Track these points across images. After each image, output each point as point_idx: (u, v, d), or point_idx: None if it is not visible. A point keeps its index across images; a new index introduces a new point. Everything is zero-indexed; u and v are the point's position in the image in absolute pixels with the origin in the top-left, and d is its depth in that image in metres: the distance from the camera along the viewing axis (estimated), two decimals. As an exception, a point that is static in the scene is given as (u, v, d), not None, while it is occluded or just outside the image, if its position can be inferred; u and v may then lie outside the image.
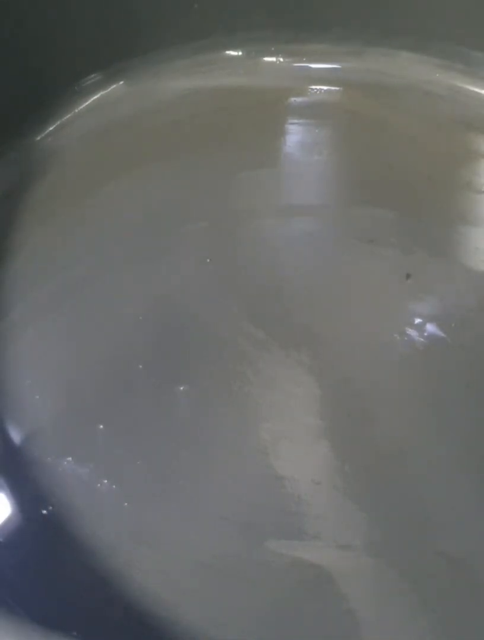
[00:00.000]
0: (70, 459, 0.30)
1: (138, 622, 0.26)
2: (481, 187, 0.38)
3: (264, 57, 0.44)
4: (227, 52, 0.44)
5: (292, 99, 0.42)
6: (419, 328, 0.33)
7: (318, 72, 0.43)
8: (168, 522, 0.28)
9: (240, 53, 0.44)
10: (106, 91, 0.43)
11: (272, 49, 0.43)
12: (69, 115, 0.41)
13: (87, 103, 0.42)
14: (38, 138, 0.40)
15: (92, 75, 0.42)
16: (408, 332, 0.33)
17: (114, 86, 0.43)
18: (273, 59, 0.44)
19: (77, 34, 0.40)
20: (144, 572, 0.27)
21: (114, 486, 0.29)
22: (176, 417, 0.31)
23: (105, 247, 0.36)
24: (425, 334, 0.33)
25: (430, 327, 0.33)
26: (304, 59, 0.44)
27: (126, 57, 0.42)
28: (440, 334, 0.33)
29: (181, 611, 0.26)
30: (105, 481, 0.29)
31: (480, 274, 0.35)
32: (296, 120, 0.41)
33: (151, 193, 0.38)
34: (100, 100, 0.42)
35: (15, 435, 0.30)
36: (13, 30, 0.38)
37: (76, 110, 0.42)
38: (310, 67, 0.44)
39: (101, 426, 0.30)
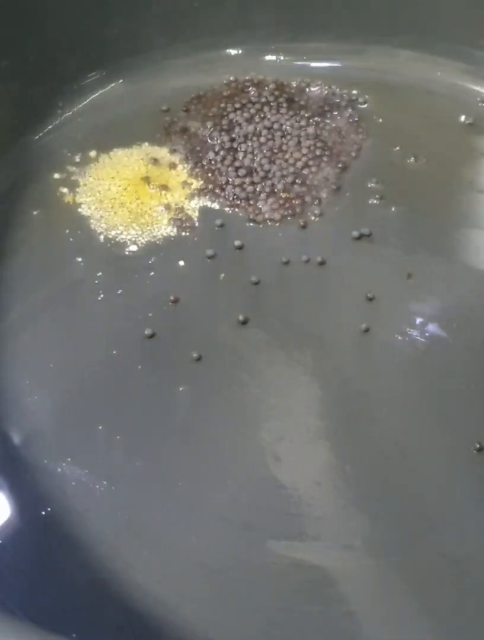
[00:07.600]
0: (69, 460, 0.29)
1: (138, 622, 0.26)
2: (483, 187, 0.38)
3: (265, 55, 0.43)
4: (228, 50, 0.44)
5: (293, 98, 0.42)
6: (421, 328, 0.33)
7: (319, 70, 0.43)
8: (168, 522, 0.28)
9: (240, 51, 0.44)
10: (106, 89, 0.42)
11: (273, 47, 0.43)
12: (68, 114, 0.41)
13: (86, 101, 0.42)
14: (37, 137, 0.40)
15: (92, 74, 0.42)
16: (409, 332, 0.33)
17: (113, 84, 0.43)
18: (273, 57, 0.44)
19: (77, 33, 0.40)
20: (144, 573, 0.27)
21: (113, 487, 0.29)
22: (175, 418, 0.31)
23: (105, 247, 0.36)
24: (426, 334, 0.32)
25: (431, 327, 0.33)
26: (305, 57, 0.44)
27: (126, 55, 0.42)
28: (442, 334, 0.32)
29: (181, 612, 0.26)
30: (105, 482, 0.29)
31: (482, 274, 0.34)
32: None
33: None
34: (100, 99, 0.42)
35: (14, 437, 0.30)
36: (13, 30, 0.38)
37: (76, 109, 0.42)
38: (310, 66, 0.43)
39: (100, 427, 0.30)
